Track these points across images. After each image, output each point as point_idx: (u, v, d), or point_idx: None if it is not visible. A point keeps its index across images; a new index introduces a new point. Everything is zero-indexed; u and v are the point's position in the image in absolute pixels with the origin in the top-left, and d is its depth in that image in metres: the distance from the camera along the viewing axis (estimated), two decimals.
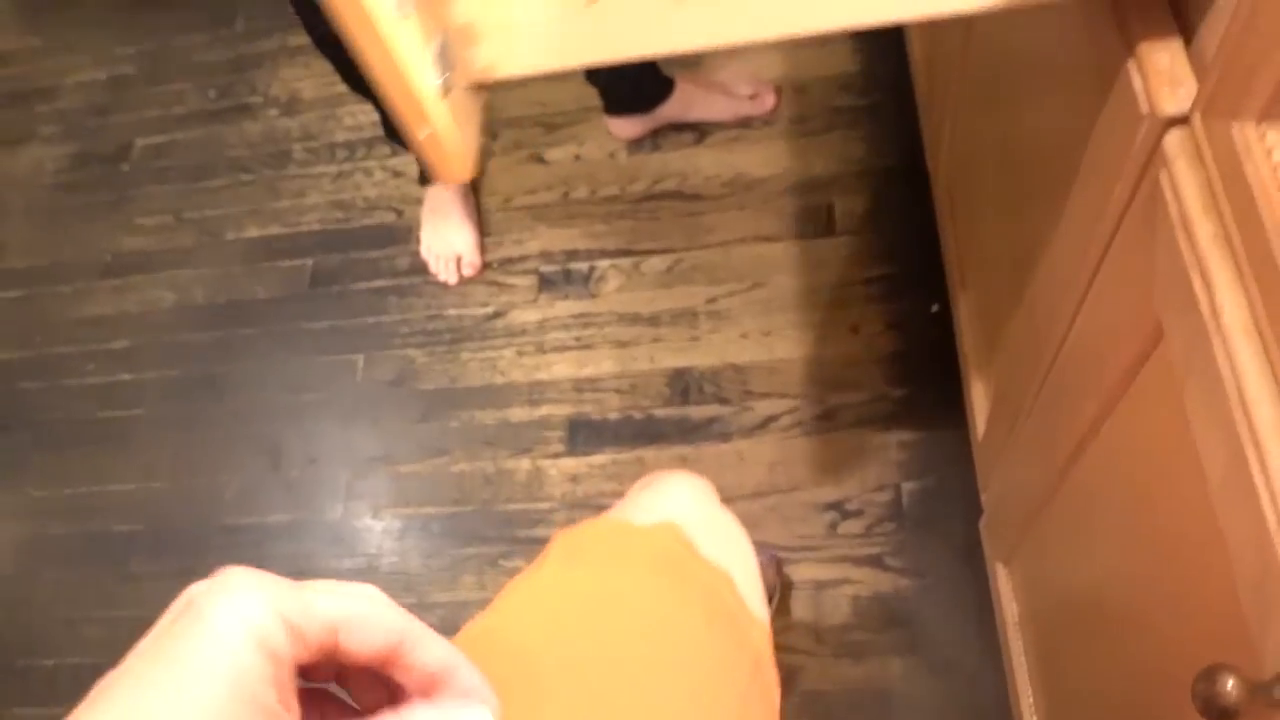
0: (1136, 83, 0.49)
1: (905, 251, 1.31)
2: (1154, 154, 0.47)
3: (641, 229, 1.42)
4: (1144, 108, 0.48)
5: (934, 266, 1.22)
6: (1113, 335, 0.54)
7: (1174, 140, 0.45)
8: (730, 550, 0.54)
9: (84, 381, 1.52)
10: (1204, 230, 0.42)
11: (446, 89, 0.49)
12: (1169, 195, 0.45)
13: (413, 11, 0.46)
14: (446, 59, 0.50)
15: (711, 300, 1.34)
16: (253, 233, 1.61)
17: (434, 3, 0.48)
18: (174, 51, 1.86)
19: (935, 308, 1.25)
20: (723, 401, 1.27)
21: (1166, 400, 0.50)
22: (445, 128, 0.49)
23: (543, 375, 1.35)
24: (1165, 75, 0.48)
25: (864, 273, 1.32)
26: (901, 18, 0.48)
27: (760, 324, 1.31)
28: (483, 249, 1.46)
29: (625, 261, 1.40)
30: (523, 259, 1.45)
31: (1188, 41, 0.49)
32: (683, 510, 0.54)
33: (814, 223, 1.37)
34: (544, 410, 1.32)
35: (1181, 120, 0.46)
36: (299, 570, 1.29)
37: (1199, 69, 0.47)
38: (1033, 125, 0.73)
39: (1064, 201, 0.63)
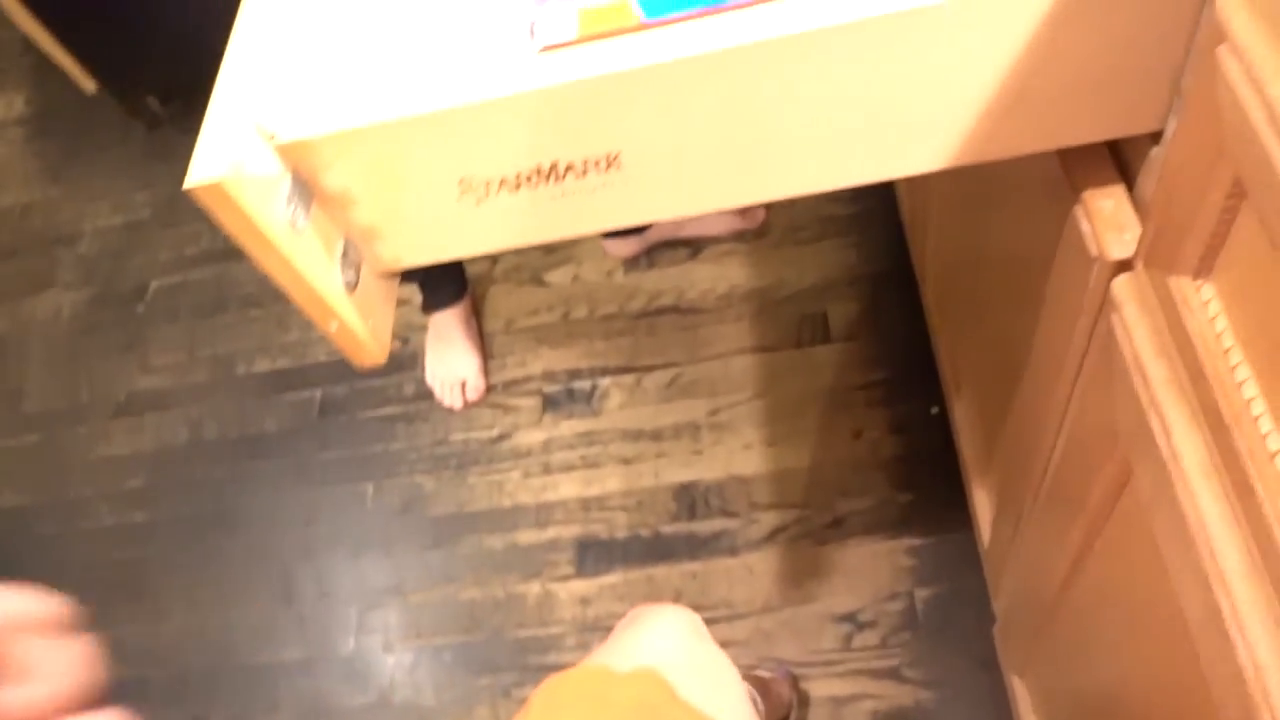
0: (1085, 226, 0.51)
1: (901, 355, 1.33)
2: (1106, 296, 0.49)
3: (641, 345, 1.45)
4: (1093, 251, 0.50)
5: (930, 368, 1.23)
6: (1089, 466, 0.55)
7: (1122, 285, 0.47)
8: (713, 691, 0.54)
9: (99, 523, 1.54)
10: (1157, 374, 0.44)
11: (352, 286, 0.52)
12: (1122, 338, 0.46)
13: (307, 226, 0.49)
14: (350, 258, 0.53)
15: (713, 412, 1.36)
16: (263, 366, 1.65)
17: (335, 208, 0.51)
18: (187, 196, 1.94)
19: (934, 410, 1.26)
20: (729, 515, 1.27)
21: (1146, 530, 0.51)
22: (353, 319, 0.52)
23: (550, 496, 1.36)
24: (1110, 220, 0.50)
25: (862, 378, 1.33)
26: (827, 185, 0.50)
27: (763, 434, 1.32)
28: (486, 372, 1.49)
29: (627, 378, 1.43)
30: (526, 380, 1.47)
31: (1131, 187, 0.51)
32: (665, 652, 0.55)
33: (810, 331, 1.39)
34: (552, 532, 1.32)
35: (1129, 264, 0.48)
36: (313, 709, 1.28)
37: (1143, 215, 0.49)
38: (1005, 246, 0.76)
39: (1036, 325, 0.64)
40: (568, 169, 0.48)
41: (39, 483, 1.63)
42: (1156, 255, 0.43)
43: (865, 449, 1.28)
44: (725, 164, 0.48)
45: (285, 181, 0.48)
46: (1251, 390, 0.38)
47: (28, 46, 2.12)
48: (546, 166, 0.48)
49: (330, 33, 0.52)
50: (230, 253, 1.81)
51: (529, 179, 0.49)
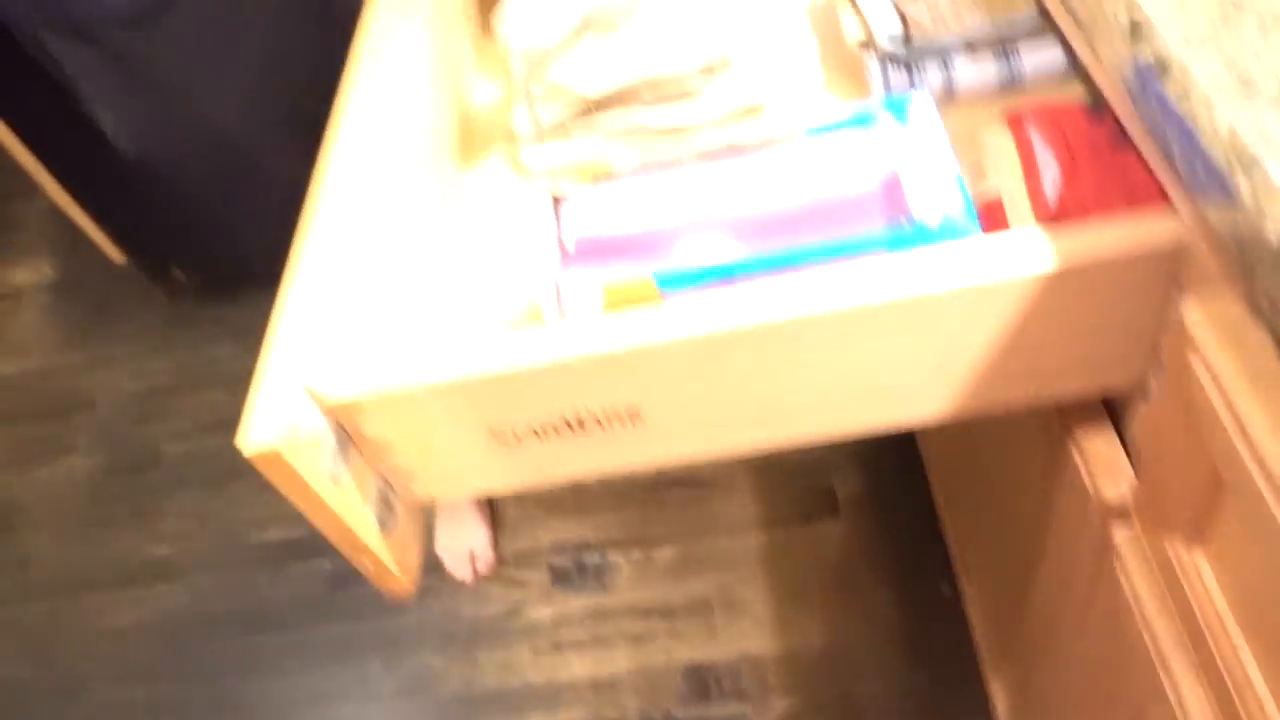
0: (1080, 466, 0.54)
1: (910, 531, 1.34)
2: (1107, 537, 0.51)
3: (651, 518, 1.46)
4: (1090, 491, 0.53)
5: (940, 544, 1.24)
6: (1105, 698, 0.56)
7: (1122, 536, 0.49)
8: None
9: (99, 702, 1.51)
10: (1161, 629, 0.45)
11: (385, 525, 0.55)
12: (1125, 588, 0.48)
13: (347, 476, 0.52)
14: (384, 497, 0.56)
15: (724, 589, 1.36)
16: (274, 535, 1.65)
17: (372, 453, 0.54)
18: (204, 362, 2.00)
19: (946, 589, 1.26)
20: (742, 698, 1.26)
21: None
22: (386, 556, 0.55)
23: (560, 676, 1.34)
24: (1104, 464, 0.53)
25: (871, 555, 1.34)
26: (839, 432, 0.54)
27: (774, 612, 1.32)
28: (497, 544, 1.50)
29: (637, 552, 1.43)
30: (536, 553, 1.48)
31: (1120, 430, 0.54)
32: None
33: (818, 505, 1.40)
34: (561, 716, 1.30)
35: (1125, 510, 0.51)
36: None
37: (1135, 461, 0.52)
38: (1004, 456, 0.78)
39: (1043, 542, 0.66)
40: (593, 422, 0.52)
41: (41, 656, 1.61)
42: (1150, 517, 0.46)
43: (878, 629, 1.27)
44: (739, 419, 0.52)
45: (329, 437, 0.52)
46: (1249, 660, 0.40)
47: (58, 216, 2.22)
48: (573, 420, 0.52)
49: (370, 294, 0.57)
50: None
51: (556, 430, 0.52)
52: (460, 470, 0.56)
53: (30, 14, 0.76)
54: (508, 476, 0.56)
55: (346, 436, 0.54)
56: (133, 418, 1.96)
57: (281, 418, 0.48)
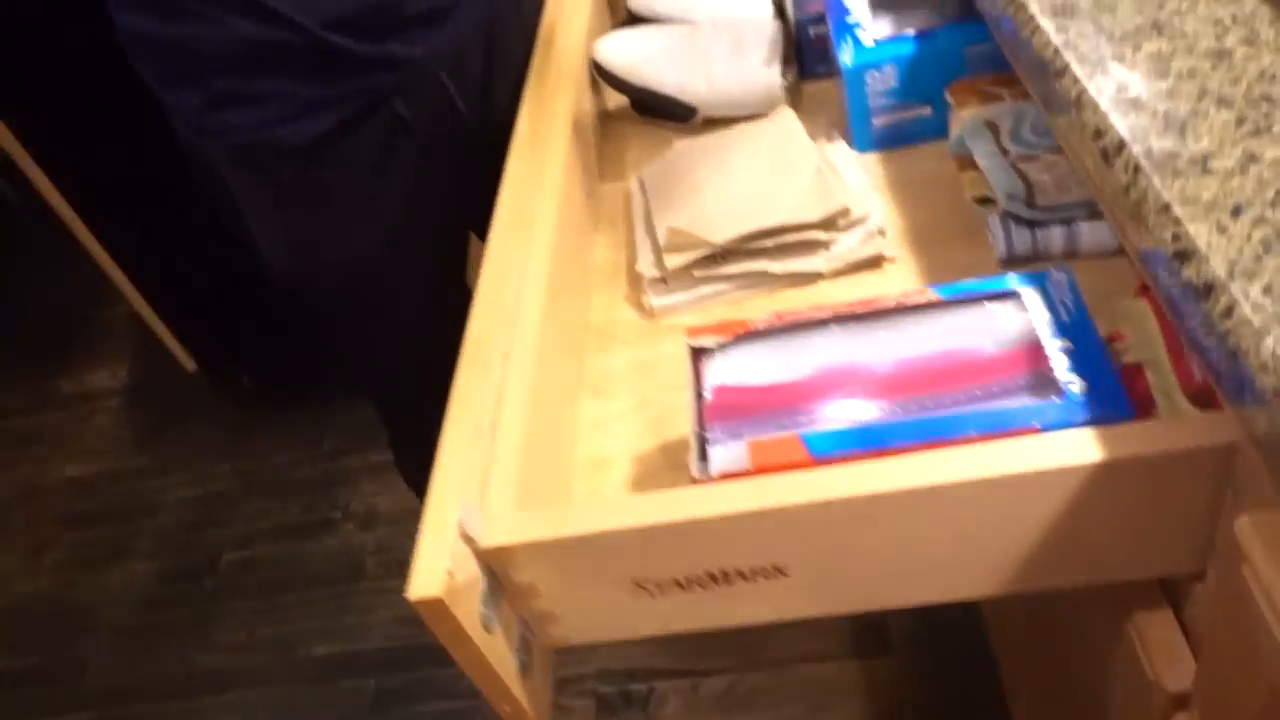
0: (1138, 648, 0.54)
1: (963, 670, 1.31)
2: None
3: (699, 646, 1.45)
4: (1149, 675, 0.53)
5: (995, 686, 1.21)
6: None
7: None
8: None
9: None
10: None
11: (526, 669, 0.56)
12: None
13: (495, 621, 0.53)
14: (525, 641, 0.57)
15: None
16: (322, 650, 1.66)
17: (517, 599, 0.55)
18: (267, 470, 2.05)
19: None
20: None
21: None
22: (525, 701, 0.56)
23: None
24: (1162, 648, 0.53)
25: (924, 693, 1.30)
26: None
27: None
28: None
29: (684, 682, 1.41)
30: (581, 679, 1.47)
31: (1179, 612, 0.54)
32: None
33: (870, 640, 1.38)
34: None
35: (1186, 702, 0.50)
36: None
37: (1194, 646, 0.52)
38: (1063, 618, 0.77)
39: (1103, 710, 0.65)
40: (737, 575, 0.53)
41: None
42: (1210, 715, 0.45)
43: None
44: (876, 576, 0.53)
45: (482, 583, 0.53)
46: None
47: (136, 322, 2.33)
48: (718, 574, 0.53)
49: (519, 440, 0.58)
50: (302, 529, 1.88)
51: (700, 583, 0.53)
52: (600, 616, 0.56)
53: (213, 145, 0.83)
54: (646, 624, 0.57)
55: (497, 582, 0.55)
56: (192, 523, 2.00)
57: (443, 566, 0.48)
